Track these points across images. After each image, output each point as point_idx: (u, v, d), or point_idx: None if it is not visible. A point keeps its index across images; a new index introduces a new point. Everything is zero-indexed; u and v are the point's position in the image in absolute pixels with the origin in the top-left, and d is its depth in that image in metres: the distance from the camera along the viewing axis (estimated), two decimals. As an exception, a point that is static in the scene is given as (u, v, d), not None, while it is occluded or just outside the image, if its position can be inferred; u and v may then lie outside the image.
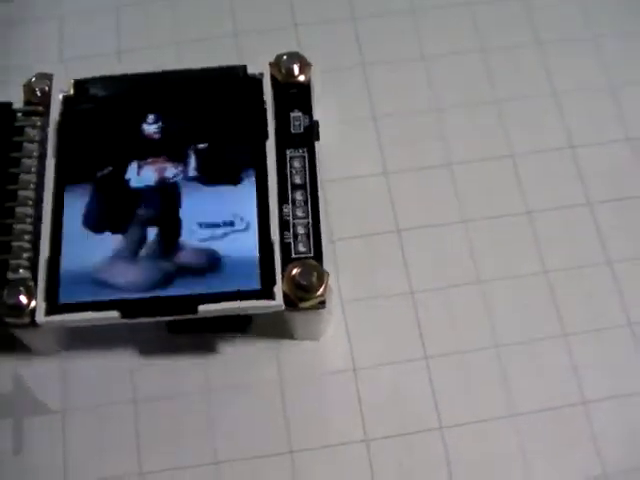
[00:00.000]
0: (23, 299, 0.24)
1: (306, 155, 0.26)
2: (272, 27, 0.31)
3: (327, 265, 0.24)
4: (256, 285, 0.24)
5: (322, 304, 0.24)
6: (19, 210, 0.25)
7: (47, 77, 0.27)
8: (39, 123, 0.26)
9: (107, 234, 0.25)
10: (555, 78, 0.30)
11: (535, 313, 0.27)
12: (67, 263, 0.24)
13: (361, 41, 0.31)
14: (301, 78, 0.27)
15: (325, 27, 0.31)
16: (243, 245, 0.24)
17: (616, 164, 0.29)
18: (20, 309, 0.24)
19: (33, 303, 0.24)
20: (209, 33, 0.31)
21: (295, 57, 0.27)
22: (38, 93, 0.27)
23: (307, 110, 0.26)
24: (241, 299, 0.24)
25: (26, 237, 0.25)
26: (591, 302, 0.27)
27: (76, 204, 0.25)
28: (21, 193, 0.25)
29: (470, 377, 0.26)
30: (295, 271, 0.24)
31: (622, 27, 0.31)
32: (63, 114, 0.26)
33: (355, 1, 0.32)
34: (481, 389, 0.26)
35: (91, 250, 0.24)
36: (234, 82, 0.27)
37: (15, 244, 0.25)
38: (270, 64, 0.27)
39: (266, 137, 0.26)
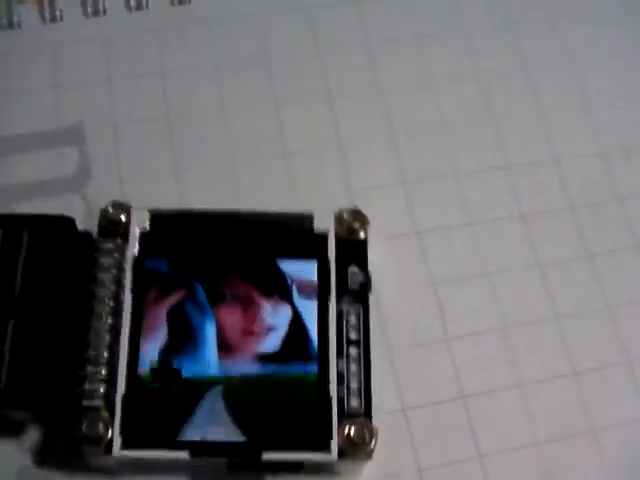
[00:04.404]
0: (102, 431, 0.26)
1: (361, 311, 0.27)
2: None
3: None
4: (314, 437, 0.26)
5: (369, 455, 0.26)
6: (95, 340, 0.27)
7: (124, 207, 0.28)
8: (116, 255, 0.27)
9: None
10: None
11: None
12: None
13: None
14: (361, 235, 0.29)
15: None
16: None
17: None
18: (98, 440, 0.26)
19: (109, 435, 0.26)
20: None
21: (356, 214, 0.29)
22: (114, 220, 0.28)
23: (363, 266, 0.28)
24: (300, 449, 0.25)
25: (102, 366, 0.26)
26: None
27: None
28: (96, 324, 0.27)
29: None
30: (351, 429, 0.26)
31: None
32: (141, 250, 0.28)
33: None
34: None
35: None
36: (301, 234, 0.28)
37: (90, 370, 0.26)
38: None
39: (329, 293, 0.27)
